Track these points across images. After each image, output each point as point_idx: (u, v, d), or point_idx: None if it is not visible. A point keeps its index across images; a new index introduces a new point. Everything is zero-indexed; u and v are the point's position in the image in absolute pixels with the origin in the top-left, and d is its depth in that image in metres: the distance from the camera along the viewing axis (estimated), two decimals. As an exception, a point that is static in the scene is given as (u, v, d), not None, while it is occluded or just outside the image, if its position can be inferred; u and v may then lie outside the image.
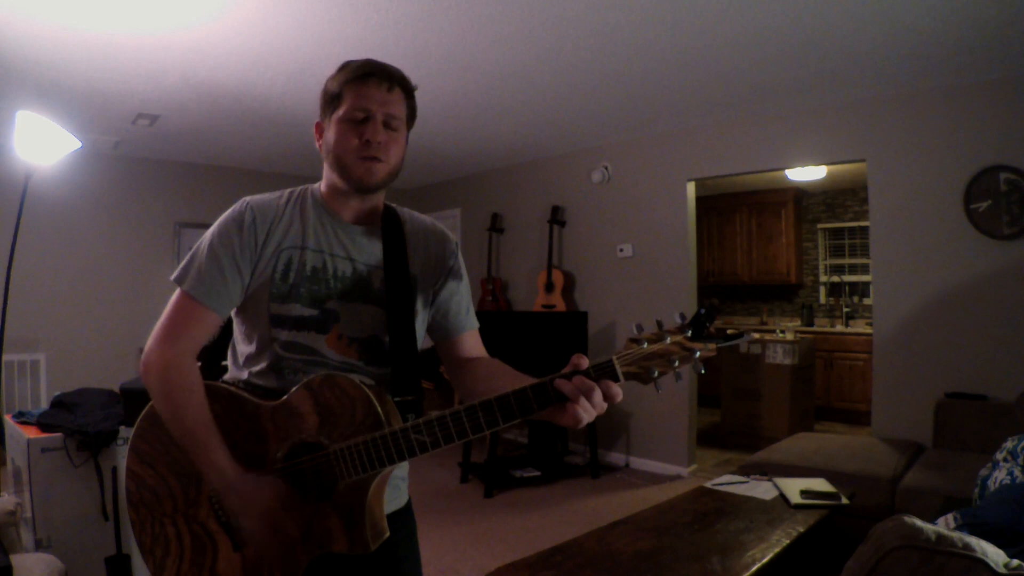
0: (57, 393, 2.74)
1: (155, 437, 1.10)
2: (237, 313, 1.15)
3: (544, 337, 4.77)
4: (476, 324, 1.27)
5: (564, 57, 3.16)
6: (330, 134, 1.12)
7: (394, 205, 1.23)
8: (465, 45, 3.00)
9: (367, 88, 1.09)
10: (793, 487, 2.58)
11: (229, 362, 1.20)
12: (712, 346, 0.87)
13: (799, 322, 6.71)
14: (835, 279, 6.72)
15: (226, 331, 1.20)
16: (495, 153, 5.37)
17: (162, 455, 1.09)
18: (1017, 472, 2.18)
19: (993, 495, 2.08)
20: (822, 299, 6.84)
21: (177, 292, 1.09)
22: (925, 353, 3.55)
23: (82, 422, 2.45)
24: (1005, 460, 2.31)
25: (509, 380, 1.02)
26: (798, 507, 2.41)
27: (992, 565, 1.06)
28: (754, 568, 1.88)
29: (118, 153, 4.96)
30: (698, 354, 0.87)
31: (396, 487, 1.20)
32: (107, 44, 2.90)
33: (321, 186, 1.19)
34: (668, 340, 0.88)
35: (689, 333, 0.87)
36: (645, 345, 0.88)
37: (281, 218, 1.13)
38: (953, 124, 3.47)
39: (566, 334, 4.72)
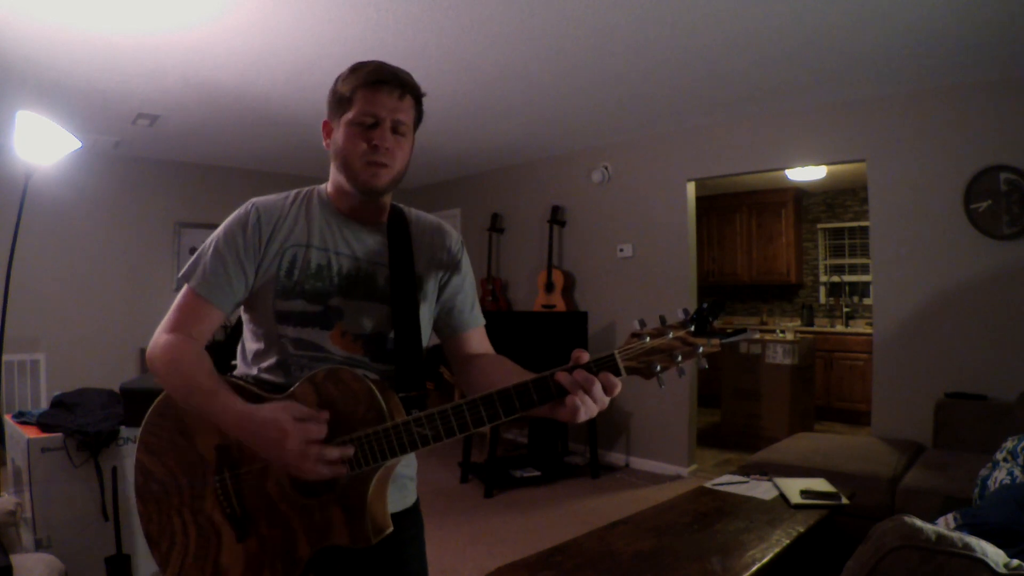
0: (57, 393, 2.74)
1: (163, 430, 1.12)
2: (245, 311, 1.17)
3: (544, 337, 4.76)
4: (482, 321, 1.28)
5: (564, 57, 3.16)
6: (338, 136, 1.12)
7: (401, 205, 1.25)
8: (465, 45, 3.00)
9: (379, 95, 1.09)
10: (793, 487, 2.58)
11: (238, 360, 1.22)
12: (715, 341, 0.87)
13: (799, 322, 6.71)
14: (835, 279, 6.72)
15: (235, 331, 1.22)
16: (495, 153, 5.37)
17: (170, 448, 1.11)
18: (1017, 472, 2.18)
19: (993, 495, 2.08)
20: (822, 299, 6.84)
21: (184, 288, 1.12)
22: (925, 353, 3.55)
23: (82, 422, 2.45)
24: (1005, 460, 2.31)
25: (513, 375, 1.03)
26: (798, 507, 2.41)
27: (992, 565, 1.06)
28: (754, 568, 1.88)
29: (118, 153, 4.95)
30: (701, 349, 0.88)
31: (404, 486, 1.21)
32: (107, 44, 2.90)
33: (327, 185, 1.20)
34: (671, 335, 0.89)
35: (692, 328, 0.88)
36: (647, 340, 0.89)
37: (286, 217, 1.15)
38: (953, 124, 3.47)
39: (566, 334, 4.72)
